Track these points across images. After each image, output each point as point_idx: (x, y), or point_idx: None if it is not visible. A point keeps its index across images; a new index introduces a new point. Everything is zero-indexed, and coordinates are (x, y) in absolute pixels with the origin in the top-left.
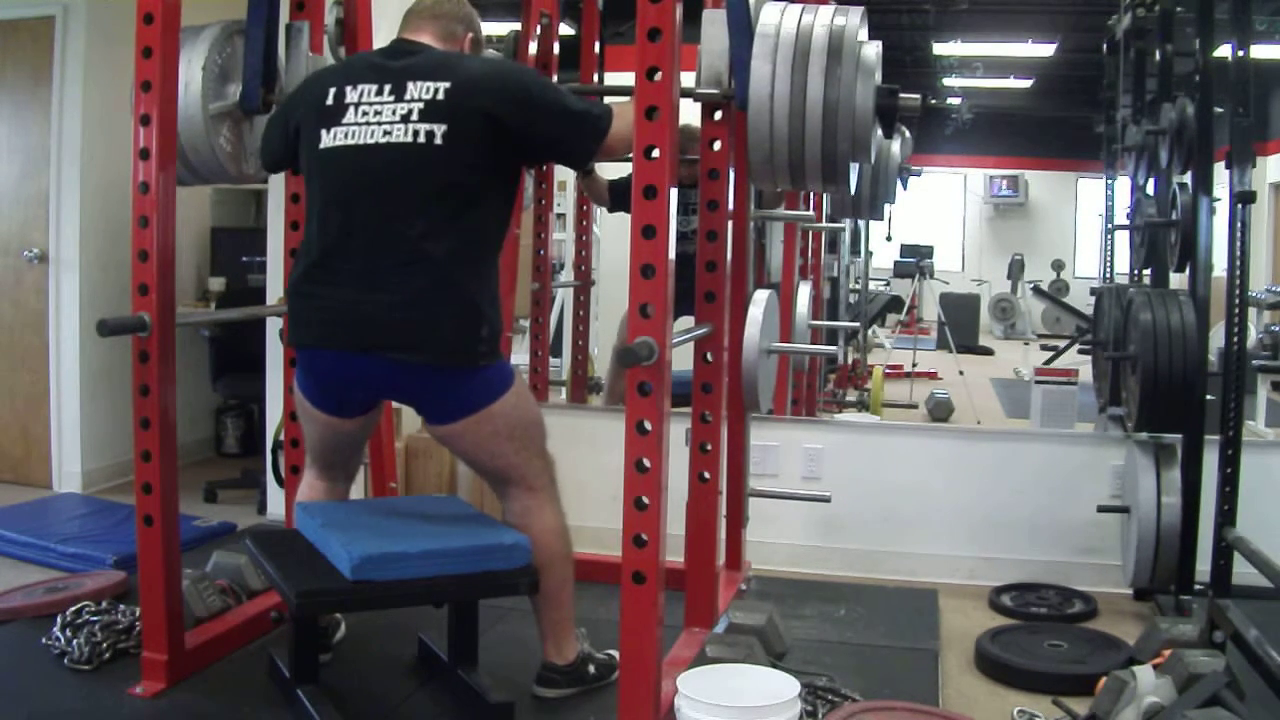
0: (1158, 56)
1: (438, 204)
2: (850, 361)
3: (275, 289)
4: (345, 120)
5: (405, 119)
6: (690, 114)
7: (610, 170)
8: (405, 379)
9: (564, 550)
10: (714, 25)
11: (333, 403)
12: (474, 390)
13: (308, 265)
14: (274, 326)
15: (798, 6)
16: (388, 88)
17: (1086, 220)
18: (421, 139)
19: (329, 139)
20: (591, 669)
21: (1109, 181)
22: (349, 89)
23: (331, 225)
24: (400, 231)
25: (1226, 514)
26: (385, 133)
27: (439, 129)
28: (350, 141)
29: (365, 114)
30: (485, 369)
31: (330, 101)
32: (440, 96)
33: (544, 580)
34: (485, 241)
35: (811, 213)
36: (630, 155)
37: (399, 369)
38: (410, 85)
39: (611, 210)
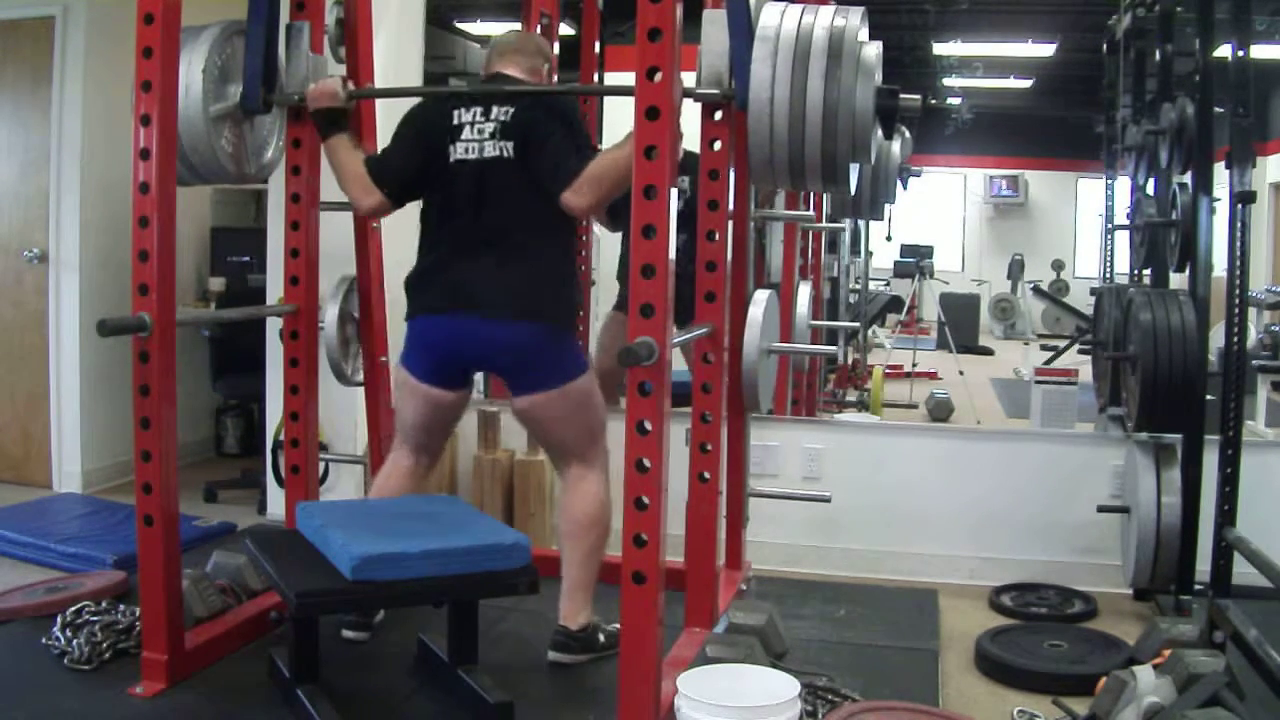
0: (1158, 56)
1: (524, 205)
2: (850, 361)
3: (275, 289)
4: (463, 137)
5: (493, 137)
6: (690, 114)
7: None
8: (507, 339)
9: (605, 517)
10: (714, 25)
11: (438, 373)
12: (559, 363)
13: (434, 257)
14: (274, 326)
15: (798, 7)
16: (480, 111)
17: (1086, 220)
18: (506, 153)
19: (455, 153)
20: (601, 637)
21: (1109, 181)
22: (462, 110)
23: (449, 225)
24: (503, 228)
25: (1226, 514)
26: (482, 149)
27: (509, 145)
28: (467, 156)
29: (472, 132)
30: (570, 347)
31: (454, 121)
32: (508, 119)
33: (580, 540)
34: (564, 232)
35: (811, 213)
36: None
37: (503, 328)
38: (495, 109)
39: (612, 230)
